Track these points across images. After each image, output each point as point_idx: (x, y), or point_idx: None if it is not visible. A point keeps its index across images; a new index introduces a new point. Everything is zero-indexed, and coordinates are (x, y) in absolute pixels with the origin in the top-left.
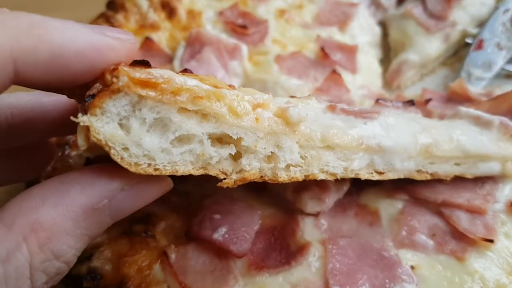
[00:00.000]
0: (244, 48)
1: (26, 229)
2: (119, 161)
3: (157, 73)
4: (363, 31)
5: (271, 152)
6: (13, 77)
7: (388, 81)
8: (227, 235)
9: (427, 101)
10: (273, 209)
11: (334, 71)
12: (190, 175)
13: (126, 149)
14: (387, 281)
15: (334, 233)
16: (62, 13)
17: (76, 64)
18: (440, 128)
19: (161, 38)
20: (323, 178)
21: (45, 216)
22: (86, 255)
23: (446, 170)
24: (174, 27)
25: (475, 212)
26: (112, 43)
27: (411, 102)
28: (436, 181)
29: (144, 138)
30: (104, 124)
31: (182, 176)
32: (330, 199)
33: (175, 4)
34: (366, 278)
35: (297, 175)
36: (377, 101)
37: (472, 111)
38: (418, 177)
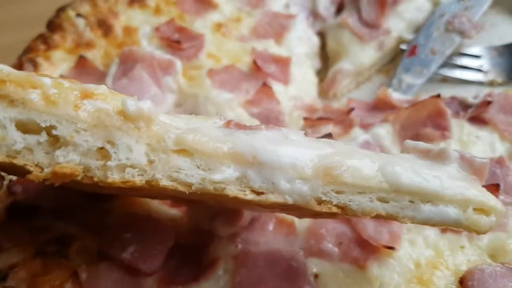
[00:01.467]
0: (178, 64)
1: None
2: None
3: None
4: (300, 42)
5: (99, 147)
6: None
7: (325, 90)
8: (136, 254)
9: (350, 110)
10: (190, 225)
11: (264, 84)
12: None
13: None
14: None
15: (251, 246)
16: (4, 34)
17: None
18: (361, 153)
19: (96, 56)
20: (173, 186)
21: None
22: (1, 276)
23: (363, 205)
24: (109, 45)
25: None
26: None
27: (329, 135)
28: None
29: None
30: None
31: (107, 194)
32: (244, 219)
33: (112, 22)
34: None
35: (136, 178)
36: None
37: (421, 144)
38: (319, 208)
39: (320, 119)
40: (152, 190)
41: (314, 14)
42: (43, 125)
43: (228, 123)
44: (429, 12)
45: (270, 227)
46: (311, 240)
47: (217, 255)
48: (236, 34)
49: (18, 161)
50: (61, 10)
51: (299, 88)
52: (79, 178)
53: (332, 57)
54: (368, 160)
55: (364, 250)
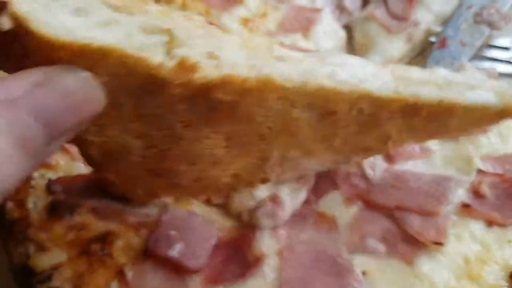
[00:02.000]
0: None
1: None
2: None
3: None
4: (327, 36)
5: (209, 51)
6: None
7: None
8: (183, 252)
9: None
10: (232, 222)
11: None
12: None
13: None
14: None
15: (293, 243)
16: None
17: None
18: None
19: None
20: (281, 83)
21: None
22: (46, 276)
23: (428, 94)
24: None
25: (427, 214)
26: None
27: None
28: (390, 187)
29: (65, 17)
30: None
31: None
32: (286, 212)
33: None
34: (319, 286)
35: (243, 77)
36: None
37: None
38: (397, 96)
39: None
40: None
41: (340, 8)
42: (164, 27)
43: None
44: (457, 4)
45: (311, 222)
46: (354, 237)
47: (261, 252)
48: (263, 29)
49: (139, 55)
50: None
51: None
52: (196, 76)
53: (359, 51)
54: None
55: (411, 246)
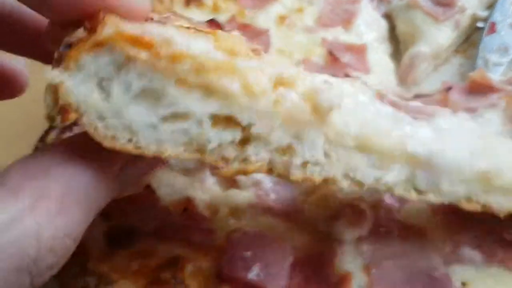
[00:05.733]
0: None
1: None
2: (91, 131)
3: (155, 30)
4: (369, 28)
5: (287, 144)
6: None
7: (402, 76)
8: (261, 274)
9: (448, 89)
10: (306, 237)
11: (347, 75)
12: (217, 211)
13: (102, 118)
14: None
15: (378, 258)
16: None
17: None
18: (504, 148)
19: None
20: (345, 185)
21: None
22: None
23: (502, 204)
24: None
25: None
26: None
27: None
28: None
29: (128, 108)
30: (79, 84)
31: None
32: (369, 221)
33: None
34: None
35: (315, 176)
36: None
37: None
38: (466, 205)
39: None
40: None
41: None
42: (244, 123)
43: (381, 96)
44: None
45: (395, 233)
46: (446, 247)
47: (345, 269)
48: (301, 25)
49: (207, 157)
50: None
51: (379, 76)
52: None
53: (404, 40)
54: None
55: (510, 250)
